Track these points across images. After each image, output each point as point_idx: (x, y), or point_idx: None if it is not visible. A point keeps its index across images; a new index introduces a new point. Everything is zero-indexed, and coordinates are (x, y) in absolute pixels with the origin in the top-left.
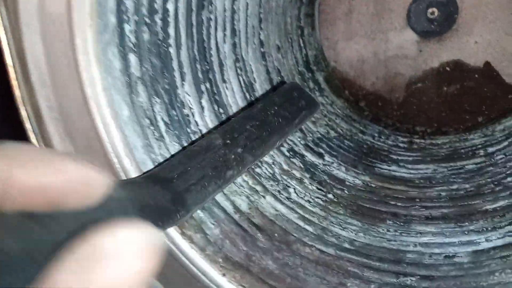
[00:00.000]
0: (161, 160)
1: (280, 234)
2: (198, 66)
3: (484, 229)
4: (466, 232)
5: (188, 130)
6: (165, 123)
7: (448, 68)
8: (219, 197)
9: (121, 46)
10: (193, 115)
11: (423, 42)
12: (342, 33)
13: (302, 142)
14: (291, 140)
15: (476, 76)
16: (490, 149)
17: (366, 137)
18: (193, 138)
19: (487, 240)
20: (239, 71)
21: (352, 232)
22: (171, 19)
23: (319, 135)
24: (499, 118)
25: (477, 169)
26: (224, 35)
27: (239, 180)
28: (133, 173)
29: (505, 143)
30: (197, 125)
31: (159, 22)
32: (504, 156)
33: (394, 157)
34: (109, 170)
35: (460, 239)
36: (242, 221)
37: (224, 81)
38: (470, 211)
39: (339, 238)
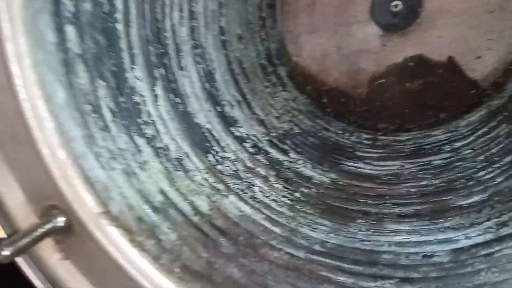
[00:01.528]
0: (107, 154)
1: (245, 237)
2: (151, 49)
3: (461, 225)
4: (442, 230)
5: (139, 120)
6: (111, 111)
7: (411, 63)
8: (175, 197)
9: (56, 15)
10: (145, 104)
11: (386, 36)
12: (305, 26)
13: (266, 138)
14: (254, 136)
15: (440, 71)
16: (456, 144)
17: (330, 134)
18: (144, 130)
19: (466, 238)
20: (198, 58)
21: (322, 233)
22: None
23: (282, 131)
24: (462, 114)
25: (445, 164)
26: (181, 16)
27: (198, 178)
28: (69, 168)
29: (472, 138)
30: (150, 115)
31: None
32: (472, 150)
33: (359, 154)
34: (39, 164)
35: (436, 237)
36: (203, 224)
37: (181, 68)
38: (444, 207)
39: (309, 239)
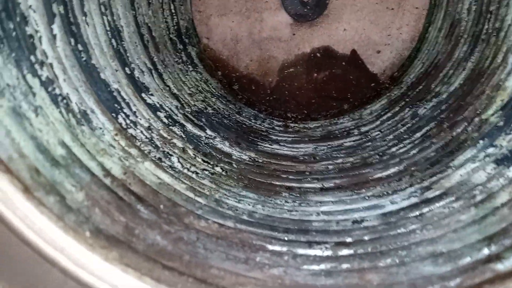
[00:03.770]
0: None
1: (167, 205)
2: None
3: (384, 193)
4: (366, 198)
5: (32, 58)
6: None
7: (318, 54)
8: (81, 154)
9: None
10: (40, 41)
11: (296, 26)
12: (216, 8)
13: (181, 111)
14: (168, 107)
15: (344, 63)
16: (364, 129)
17: (243, 119)
18: (39, 71)
19: (392, 203)
20: (103, 9)
21: (249, 204)
22: None
23: (197, 109)
24: (364, 104)
25: (356, 145)
26: None
27: (107, 138)
28: None
29: (378, 122)
30: (46, 55)
31: None
32: (380, 132)
33: (274, 137)
34: None
35: (362, 204)
36: (116, 187)
37: (84, 13)
38: (363, 180)
39: (237, 210)
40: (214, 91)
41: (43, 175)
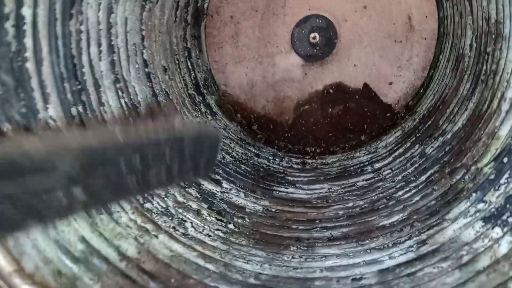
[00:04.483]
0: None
1: (177, 279)
2: (67, 86)
3: (385, 246)
4: (368, 251)
5: None
6: None
7: (331, 90)
8: (99, 244)
9: None
10: None
11: (307, 66)
12: (230, 57)
13: None
14: None
15: (357, 97)
16: (377, 165)
17: (261, 160)
18: None
19: (390, 258)
20: (120, 92)
21: (257, 264)
22: (27, 28)
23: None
24: (379, 135)
25: (368, 185)
26: (100, 51)
27: (124, 219)
28: None
29: (390, 159)
30: None
31: (11, 30)
32: (390, 171)
33: (290, 178)
34: None
35: (363, 258)
36: (130, 269)
37: (101, 104)
38: (369, 228)
39: (244, 273)
40: (233, 135)
41: (65, 275)
